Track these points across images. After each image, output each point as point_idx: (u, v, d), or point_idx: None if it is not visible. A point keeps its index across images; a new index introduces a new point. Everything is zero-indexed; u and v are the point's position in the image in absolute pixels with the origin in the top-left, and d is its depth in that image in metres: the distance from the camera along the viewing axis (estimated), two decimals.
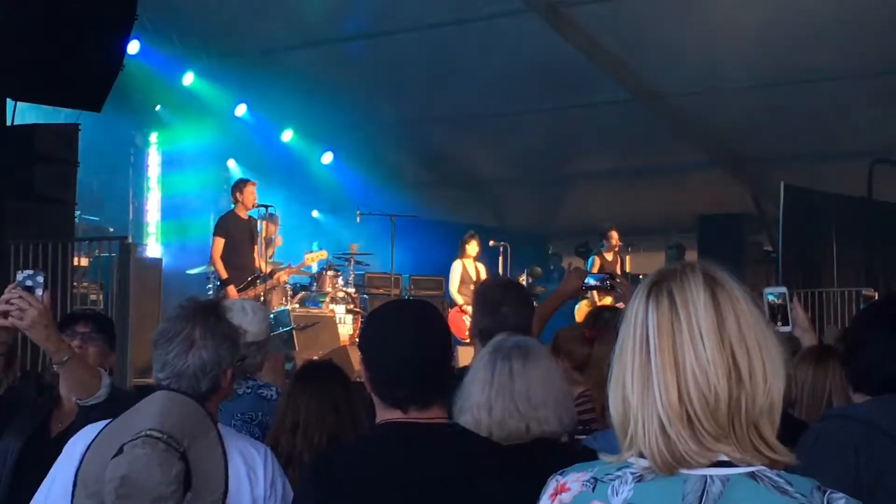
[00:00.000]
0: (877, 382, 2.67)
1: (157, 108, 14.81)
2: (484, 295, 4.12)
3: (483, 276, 12.93)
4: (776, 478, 1.60)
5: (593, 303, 11.86)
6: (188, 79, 14.64)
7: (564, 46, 13.36)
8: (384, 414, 2.58)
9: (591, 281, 4.56)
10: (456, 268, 12.74)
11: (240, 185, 11.28)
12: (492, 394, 2.96)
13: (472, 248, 12.80)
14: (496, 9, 12.96)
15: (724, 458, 1.61)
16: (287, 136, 16.39)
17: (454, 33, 13.47)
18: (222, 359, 2.79)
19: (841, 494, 1.61)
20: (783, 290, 3.58)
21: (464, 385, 3.04)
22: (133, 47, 12.92)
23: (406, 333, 2.59)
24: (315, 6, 13.41)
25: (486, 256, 13.19)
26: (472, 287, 12.56)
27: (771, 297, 3.60)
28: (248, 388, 4.00)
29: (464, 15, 13.06)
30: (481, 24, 13.21)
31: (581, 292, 4.70)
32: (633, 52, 13.64)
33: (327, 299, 12.53)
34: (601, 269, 13.14)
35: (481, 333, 3.96)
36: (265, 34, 14.20)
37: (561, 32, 13.29)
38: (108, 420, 2.73)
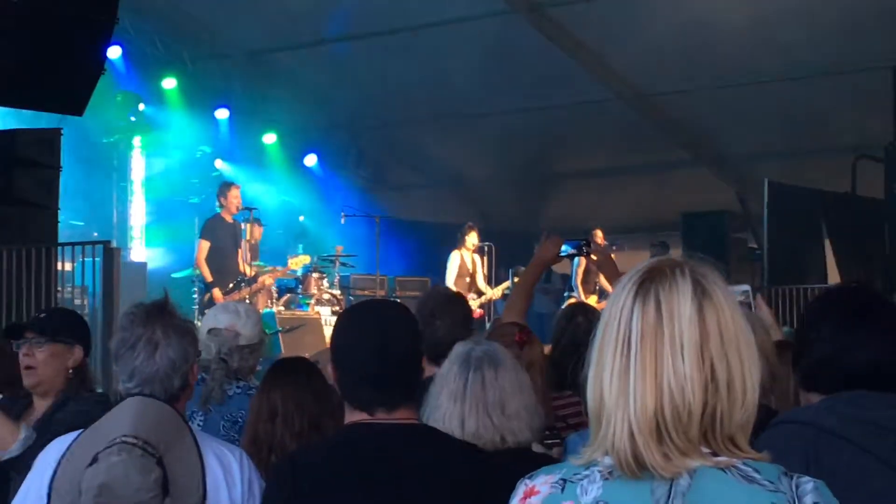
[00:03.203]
0: (830, 380, 2.43)
1: (141, 106, 14.77)
2: (423, 303, 4.07)
3: (479, 268, 12.88)
4: (743, 467, 1.61)
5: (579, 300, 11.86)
6: (171, 82, 14.59)
7: (548, 46, 13.38)
8: (351, 416, 2.56)
9: (567, 248, 4.57)
10: (454, 259, 12.55)
11: (224, 188, 11.29)
12: (465, 406, 2.89)
13: (472, 239, 12.65)
14: (480, 10, 12.97)
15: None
16: (270, 138, 16.35)
17: (438, 34, 13.47)
18: (188, 354, 2.79)
19: (808, 478, 1.62)
20: (746, 287, 3.61)
21: (431, 395, 2.97)
22: (115, 51, 12.89)
23: (370, 334, 2.56)
24: (298, 8, 13.39)
25: None
26: (467, 280, 12.54)
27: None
28: (238, 388, 4.00)
29: (447, 16, 13.06)
30: (465, 24, 13.22)
31: (558, 259, 4.71)
32: (616, 52, 13.67)
33: (313, 301, 12.50)
34: (586, 268, 13.15)
35: None
36: (248, 36, 14.17)
37: (544, 32, 13.31)
38: (80, 430, 2.71)
